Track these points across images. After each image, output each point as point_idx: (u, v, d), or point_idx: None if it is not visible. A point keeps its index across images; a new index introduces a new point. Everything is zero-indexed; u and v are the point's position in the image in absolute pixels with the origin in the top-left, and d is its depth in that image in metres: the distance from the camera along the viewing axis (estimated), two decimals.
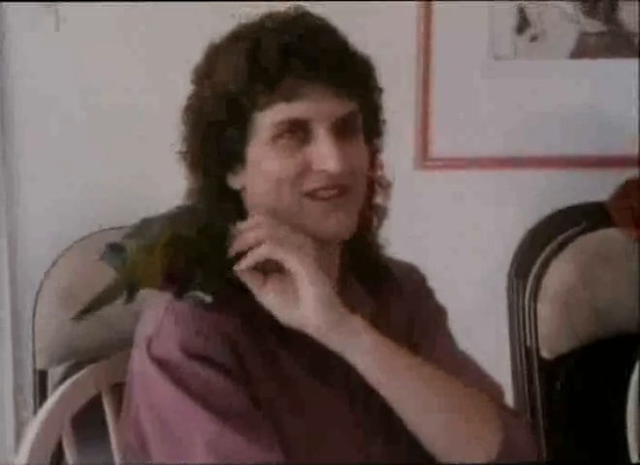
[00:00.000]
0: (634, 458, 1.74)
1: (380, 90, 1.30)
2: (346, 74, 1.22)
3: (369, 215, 1.33)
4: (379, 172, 1.34)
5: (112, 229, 1.74)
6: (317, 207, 1.23)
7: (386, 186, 1.33)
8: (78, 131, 2.07)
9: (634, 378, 1.75)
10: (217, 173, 1.27)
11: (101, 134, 2.06)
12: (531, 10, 2.13)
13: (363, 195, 1.28)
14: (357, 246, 1.32)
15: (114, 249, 1.17)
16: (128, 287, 1.15)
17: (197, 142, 1.27)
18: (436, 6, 2.10)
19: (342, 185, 1.23)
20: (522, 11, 2.12)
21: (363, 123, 1.27)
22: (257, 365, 1.22)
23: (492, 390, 1.32)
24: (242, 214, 1.27)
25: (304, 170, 1.22)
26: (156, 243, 1.17)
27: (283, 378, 1.24)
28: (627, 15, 2.14)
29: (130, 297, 1.15)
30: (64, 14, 2.02)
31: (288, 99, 1.20)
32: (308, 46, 1.21)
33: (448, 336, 1.40)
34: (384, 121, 1.33)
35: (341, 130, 1.23)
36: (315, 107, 1.20)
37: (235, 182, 1.28)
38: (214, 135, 1.24)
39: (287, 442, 1.19)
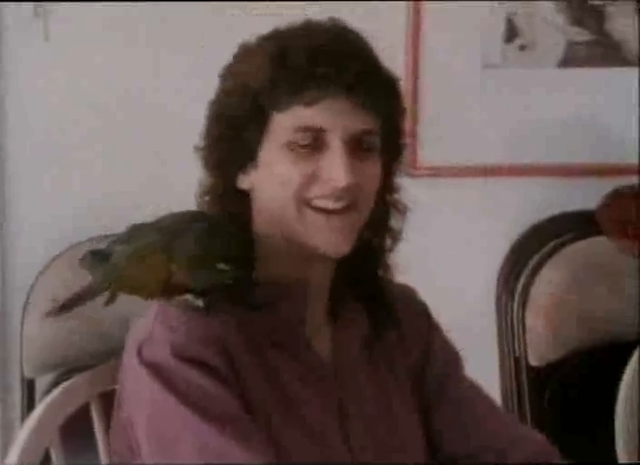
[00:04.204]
0: None
1: (403, 112, 1.30)
2: (370, 90, 1.21)
3: (382, 236, 1.33)
4: (395, 195, 1.33)
5: (104, 236, 1.73)
6: (319, 219, 1.22)
7: (402, 210, 1.33)
8: (69, 136, 2.06)
9: (623, 386, 1.76)
10: (229, 171, 1.26)
11: (93, 139, 2.05)
12: (521, 19, 2.13)
13: (367, 214, 1.27)
14: (356, 263, 1.31)
15: (96, 255, 1.17)
16: (111, 289, 1.15)
17: (214, 137, 1.26)
18: (427, 13, 2.10)
19: (348, 200, 1.22)
20: (511, 20, 2.13)
21: (381, 143, 1.26)
22: (250, 370, 1.22)
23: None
24: (247, 217, 1.27)
25: (313, 178, 1.21)
26: (145, 251, 1.17)
27: (277, 384, 1.24)
28: (616, 24, 2.15)
29: (112, 299, 1.15)
30: (54, 20, 2.02)
31: (308, 104, 1.19)
32: (337, 56, 1.20)
33: (468, 379, 1.41)
34: (404, 145, 1.32)
35: (356, 145, 1.22)
36: (333, 117, 1.20)
37: (244, 182, 1.27)
38: (232, 131, 1.24)
39: (279, 447, 1.19)
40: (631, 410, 1.75)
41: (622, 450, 1.74)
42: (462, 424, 1.37)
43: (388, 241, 1.33)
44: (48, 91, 2.04)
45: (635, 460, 1.73)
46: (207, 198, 1.29)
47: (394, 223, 1.33)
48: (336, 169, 1.20)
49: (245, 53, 1.26)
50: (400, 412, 1.33)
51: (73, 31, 2.02)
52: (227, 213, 1.26)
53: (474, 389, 1.40)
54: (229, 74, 1.27)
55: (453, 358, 1.41)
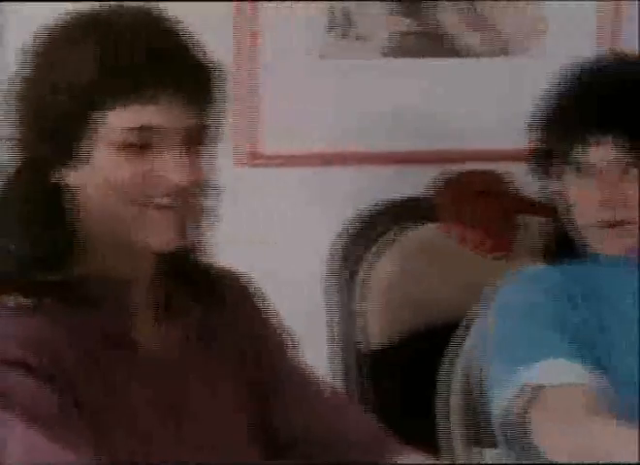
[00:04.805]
0: (458, 447, 1.79)
1: (223, 98, 1.28)
2: (203, 86, 1.21)
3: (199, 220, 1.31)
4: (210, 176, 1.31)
5: None
6: (154, 217, 1.20)
7: (216, 190, 1.31)
8: None
9: (458, 366, 1.79)
10: (47, 167, 1.22)
11: None
12: (350, 10, 2.15)
13: (200, 205, 1.26)
14: (177, 252, 1.28)
15: None
16: None
17: (32, 131, 1.21)
18: (261, 4, 2.10)
19: (180, 197, 1.21)
20: (339, 10, 2.14)
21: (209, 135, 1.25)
22: (78, 368, 1.19)
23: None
24: (65, 211, 1.23)
25: (148, 178, 1.19)
26: None
27: (106, 381, 1.21)
28: (443, 15, 2.19)
29: None
30: None
31: (143, 102, 1.17)
32: (167, 51, 1.18)
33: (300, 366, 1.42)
34: (223, 128, 1.31)
35: (190, 140, 1.21)
36: (168, 115, 1.18)
37: (70, 178, 1.22)
38: (54, 126, 1.19)
39: (109, 446, 1.17)
40: (459, 388, 1.79)
41: (457, 429, 1.79)
42: (296, 410, 1.37)
43: (204, 226, 1.32)
44: None
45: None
46: (14, 191, 1.23)
47: (204, 203, 1.30)
48: (169, 168, 1.19)
49: (64, 39, 1.21)
50: (232, 403, 1.33)
51: None
52: (39, 208, 1.22)
53: (308, 377, 1.40)
54: (46, 63, 1.20)
55: (284, 346, 1.41)
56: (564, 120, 1.62)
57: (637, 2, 2.23)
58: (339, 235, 2.08)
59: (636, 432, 1.34)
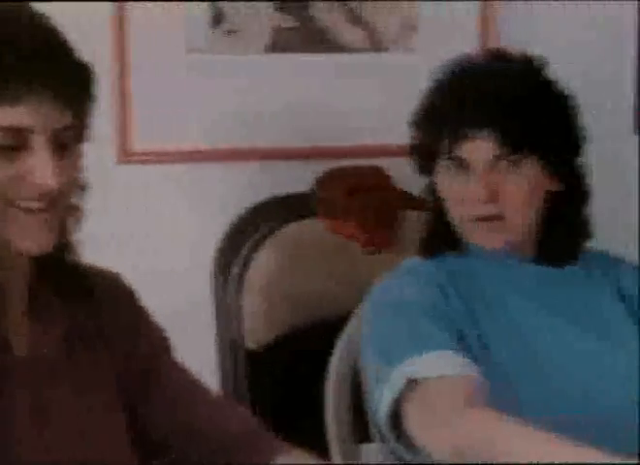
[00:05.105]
0: (333, 443, 1.77)
1: (94, 97, 1.24)
2: (71, 84, 1.17)
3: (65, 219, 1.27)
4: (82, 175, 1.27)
5: None
6: (25, 219, 1.17)
7: (83, 187, 1.27)
8: None
9: (333, 363, 1.78)
10: None
11: None
12: (226, 4, 2.12)
13: (73, 206, 1.23)
14: (51, 253, 1.24)
15: None
16: None
17: None
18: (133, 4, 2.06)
19: (53, 198, 1.17)
20: (216, 5, 2.11)
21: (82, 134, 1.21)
22: None
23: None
24: None
25: (17, 180, 1.15)
26: None
27: None
28: (318, 11, 2.19)
29: None
30: None
31: (10, 102, 1.13)
32: (38, 48, 1.14)
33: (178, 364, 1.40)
34: (94, 126, 1.27)
35: (61, 141, 1.17)
36: (37, 115, 1.14)
37: None
38: None
39: None
40: (339, 386, 1.77)
41: (332, 425, 1.77)
42: (173, 412, 1.35)
43: (77, 225, 1.29)
44: None
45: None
46: None
47: (75, 202, 1.27)
48: (41, 170, 1.15)
49: None
50: (109, 403, 1.31)
51: None
52: None
53: (186, 375, 1.39)
54: None
55: (162, 344, 1.39)
56: (440, 116, 1.61)
57: (511, 2, 2.29)
58: (218, 232, 2.06)
59: (516, 424, 1.34)
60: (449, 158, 1.60)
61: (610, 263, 1.72)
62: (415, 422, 1.46)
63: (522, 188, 1.58)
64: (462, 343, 1.52)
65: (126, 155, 2.11)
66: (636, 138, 2.44)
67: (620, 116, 2.42)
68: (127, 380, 1.34)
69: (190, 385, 1.38)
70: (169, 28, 2.10)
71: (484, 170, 1.58)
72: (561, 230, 1.65)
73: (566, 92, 1.65)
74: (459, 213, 1.62)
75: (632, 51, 2.42)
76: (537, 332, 1.59)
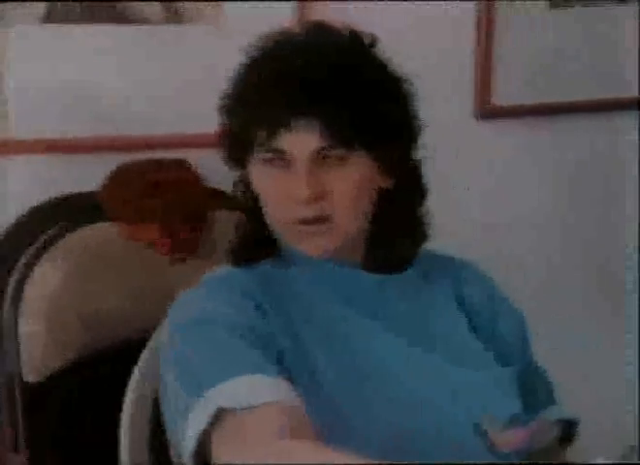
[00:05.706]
0: None
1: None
2: None
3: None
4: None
5: None
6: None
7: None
8: None
9: (131, 387, 1.63)
10: None
11: None
12: None
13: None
14: None
15: None
16: None
17: None
18: None
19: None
20: None
21: None
22: None
23: None
24: None
25: None
26: None
27: None
28: None
29: None
30: None
31: None
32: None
33: None
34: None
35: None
36: None
37: None
38: None
39: None
40: (138, 410, 1.64)
41: (125, 456, 1.62)
42: None
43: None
44: None
45: None
46: None
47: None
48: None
49: None
50: None
51: None
52: None
53: None
54: None
55: None
56: (253, 100, 1.47)
57: None
58: None
59: (331, 454, 1.22)
60: (266, 150, 1.47)
61: (452, 267, 1.65)
62: (222, 455, 1.33)
63: (350, 186, 1.47)
64: (280, 361, 1.42)
65: None
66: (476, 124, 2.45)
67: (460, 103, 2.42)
68: None
69: None
70: None
71: (307, 166, 1.44)
72: (392, 231, 1.55)
73: (401, 76, 1.53)
74: (277, 214, 1.49)
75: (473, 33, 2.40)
76: (363, 344, 1.50)
